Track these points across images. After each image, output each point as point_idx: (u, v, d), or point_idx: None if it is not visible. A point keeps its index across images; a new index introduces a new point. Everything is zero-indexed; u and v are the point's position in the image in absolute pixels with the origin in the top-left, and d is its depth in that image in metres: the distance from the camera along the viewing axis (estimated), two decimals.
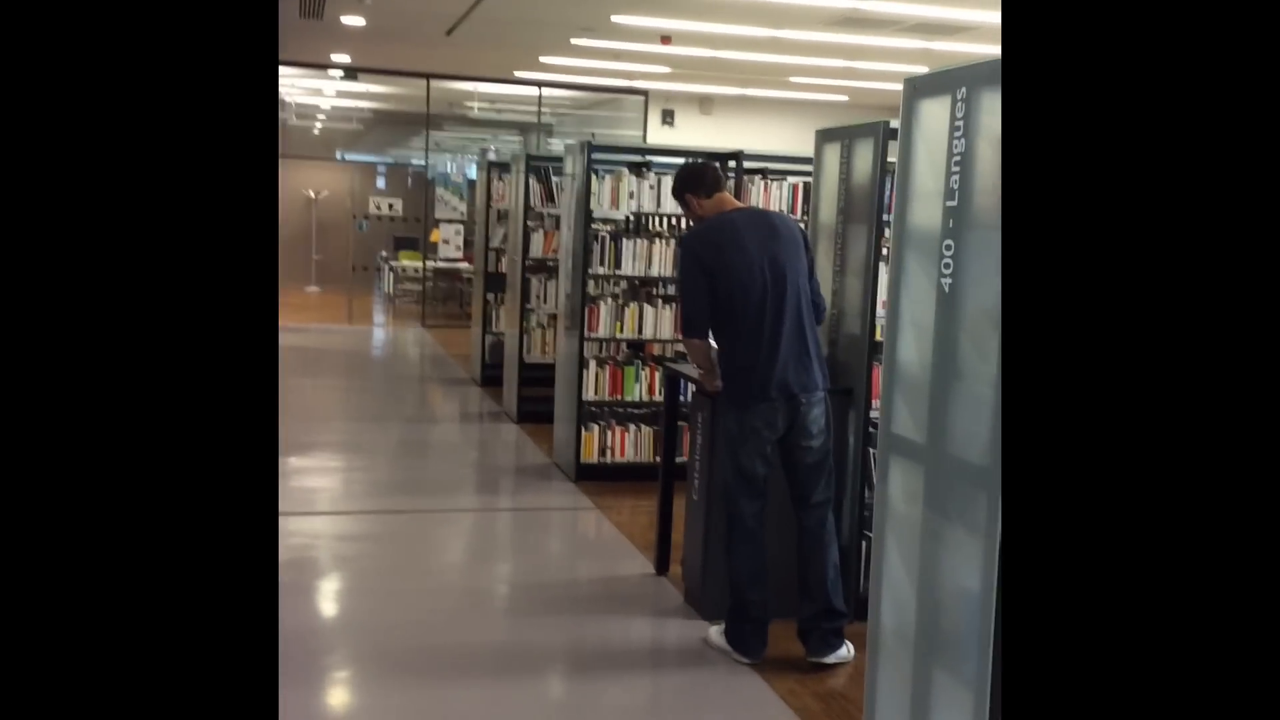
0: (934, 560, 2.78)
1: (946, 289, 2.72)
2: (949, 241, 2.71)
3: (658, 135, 14.82)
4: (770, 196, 6.43)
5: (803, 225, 4.31)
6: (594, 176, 6.29)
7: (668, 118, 14.99)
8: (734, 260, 3.82)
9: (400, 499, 6.08)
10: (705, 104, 15.09)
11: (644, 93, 14.86)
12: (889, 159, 4.15)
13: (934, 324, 2.77)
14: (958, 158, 2.68)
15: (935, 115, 2.80)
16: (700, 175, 4.08)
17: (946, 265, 2.72)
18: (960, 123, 2.68)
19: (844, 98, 14.31)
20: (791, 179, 6.57)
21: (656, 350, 6.95)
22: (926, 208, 2.82)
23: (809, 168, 6.70)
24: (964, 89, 2.67)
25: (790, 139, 13.03)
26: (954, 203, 2.69)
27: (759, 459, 3.83)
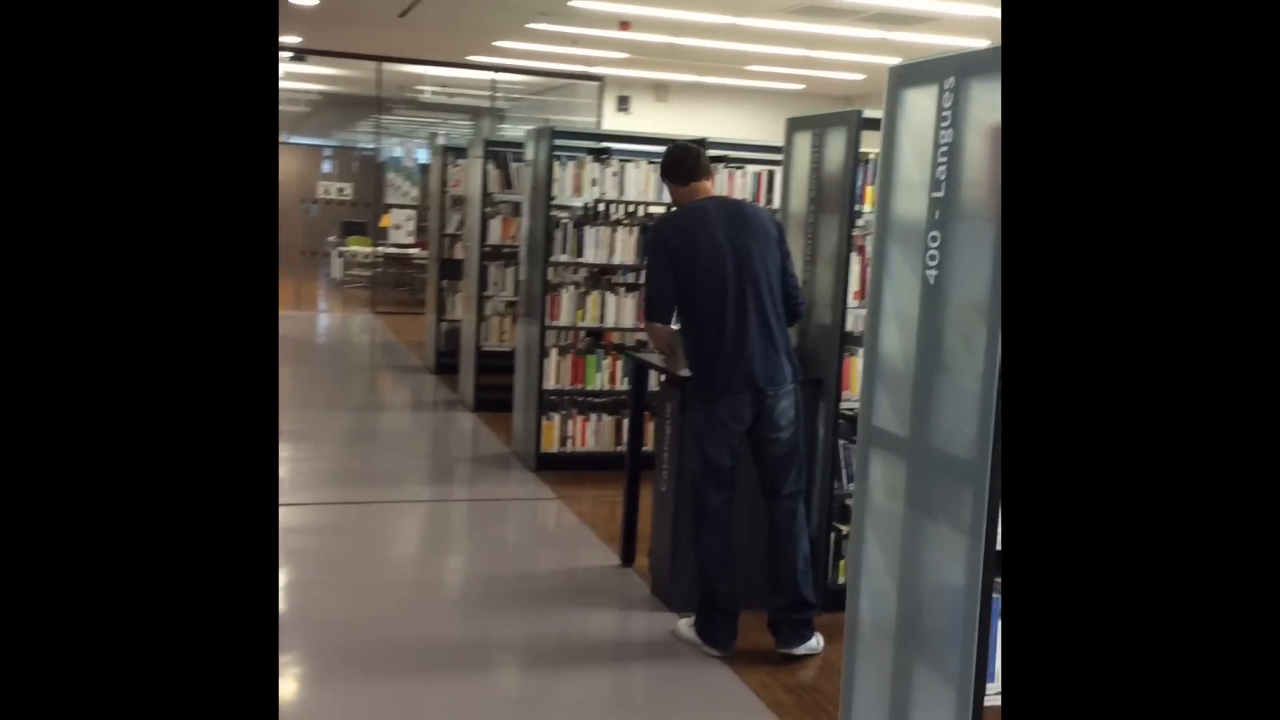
0: (916, 554, 2.75)
1: (932, 280, 2.69)
2: (935, 233, 2.68)
3: (613, 122, 14.73)
4: (735, 185, 6.38)
5: (777, 218, 4.22)
6: (556, 163, 6.20)
7: (623, 104, 14.90)
8: (701, 249, 3.77)
9: (354, 489, 5.97)
10: (661, 91, 15.02)
11: (599, 79, 14.76)
12: (862, 149, 4.13)
13: (918, 316, 2.74)
14: (944, 148, 2.65)
15: (920, 105, 2.76)
16: (678, 162, 4.01)
17: (932, 257, 2.69)
18: (948, 113, 2.64)
19: (800, 86, 14.32)
20: (754, 167, 6.52)
21: (615, 339, 6.89)
22: (910, 198, 2.78)
23: (774, 156, 6.67)
24: (951, 79, 2.63)
25: (746, 127, 13.01)
26: (940, 194, 2.66)
27: (726, 451, 3.79)
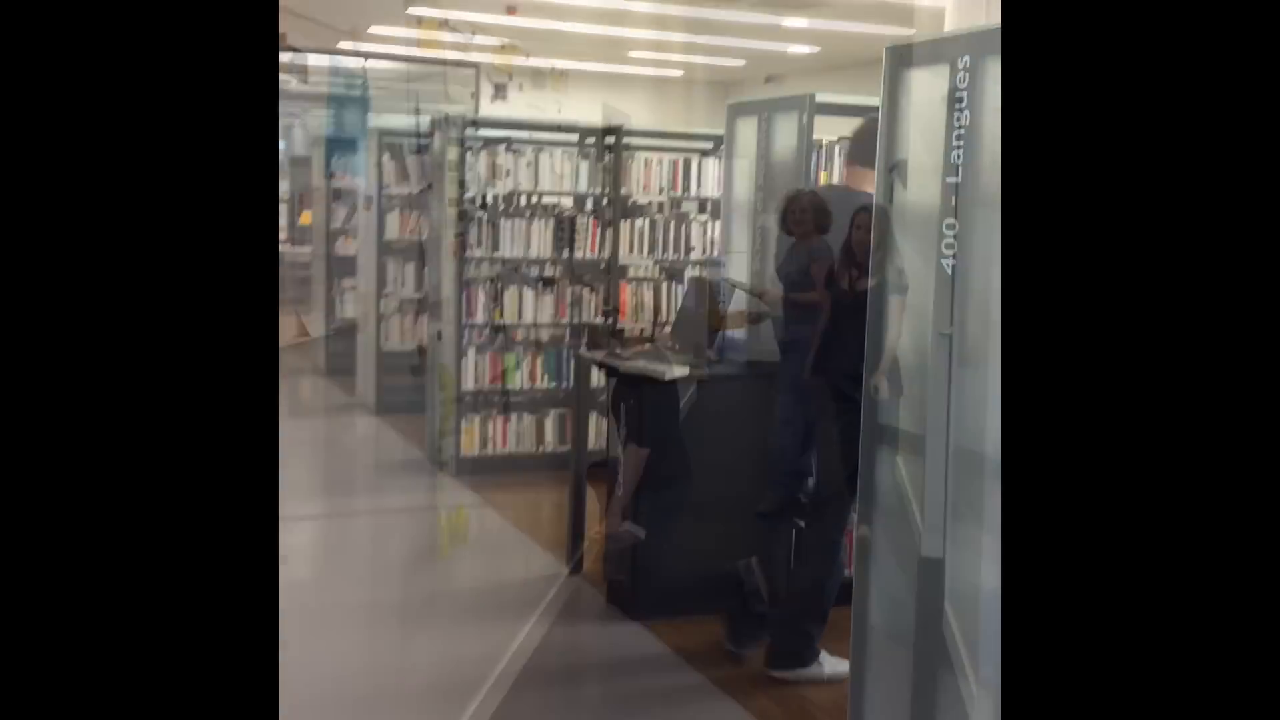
0: (940, 557, 2.63)
1: (949, 270, 2.57)
2: (951, 220, 2.56)
3: (489, 109, 14.37)
4: (650, 175, 6.20)
5: None
6: (468, 153, 5.91)
7: (500, 91, 14.55)
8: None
9: None
10: (538, 78, 14.73)
11: (475, 65, 14.37)
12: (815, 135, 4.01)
13: (933, 306, 2.62)
14: (959, 131, 2.53)
15: (928, 86, 2.64)
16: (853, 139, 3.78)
17: (949, 245, 2.57)
18: (963, 94, 2.52)
19: (678, 72, 14.23)
20: (669, 155, 6.33)
21: (520, 336, 6.61)
22: (920, 185, 2.66)
23: (689, 144, 6.52)
24: (966, 58, 2.51)
25: (625, 113, 12.83)
26: (956, 179, 2.54)
27: (784, 448, 3.69)
